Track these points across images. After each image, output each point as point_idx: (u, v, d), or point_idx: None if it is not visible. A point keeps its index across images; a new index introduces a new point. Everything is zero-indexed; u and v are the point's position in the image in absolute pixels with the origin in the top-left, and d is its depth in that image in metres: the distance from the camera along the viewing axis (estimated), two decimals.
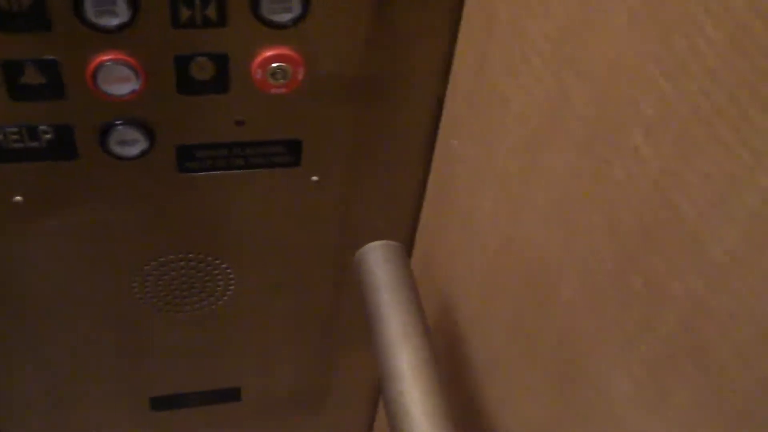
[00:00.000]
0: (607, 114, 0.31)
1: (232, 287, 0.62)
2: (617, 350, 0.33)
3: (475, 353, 0.50)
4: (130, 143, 0.50)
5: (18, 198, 0.51)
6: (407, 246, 0.63)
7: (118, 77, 0.46)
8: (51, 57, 0.44)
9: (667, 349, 0.29)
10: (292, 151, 0.53)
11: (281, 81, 0.48)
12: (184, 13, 0.44)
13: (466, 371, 0.51)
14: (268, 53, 0.47)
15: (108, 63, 0.45)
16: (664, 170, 0.28)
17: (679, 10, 0.26)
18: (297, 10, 0.45)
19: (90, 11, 0.42)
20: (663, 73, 0.27)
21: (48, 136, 0.48)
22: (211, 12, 0.44)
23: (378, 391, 0.77)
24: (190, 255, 0.59)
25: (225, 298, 0.63)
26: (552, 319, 0.39)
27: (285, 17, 0.45)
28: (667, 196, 0.28)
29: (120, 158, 0.50)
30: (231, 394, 0.74)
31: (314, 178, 0.55)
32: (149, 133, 0.49)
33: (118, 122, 0.48)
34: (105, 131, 0.48)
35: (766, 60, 0.23)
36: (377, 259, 0.47)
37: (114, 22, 0.43)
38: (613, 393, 0.34)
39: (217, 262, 0.60)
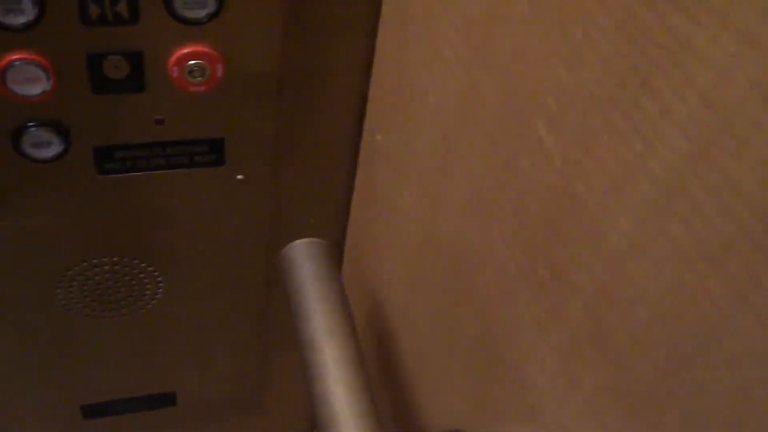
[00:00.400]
0: (513, 105, 0.31)
1: (160, 290, 0.61)
2: (531, 340, 0.33)
3: (403, 347, 0.50)
4: (45, 145, 0.48)
5: None
6: (339, 243, 0.63)
7: (28, 77, 0.44)
8: None
9: (574, 337, 0.29)
10: (214, 150, 0.52)
11: (199, 79, 0.47)
12: (94, 10, 0.43)
13: (396, 365, 0.51)
14: (185, 50, 0.46)
15: (17, 63, 0.44)
16: (566, 160, 0.28)
17: None
18: (212, 6, 0.44)
19: None
20: (562, 62, 0.27)
21: None
22: (123, 9, 0.43)
23: None
24: (115, 259, 0.57)
25: (154, 301, 0.62)
26: (471, 311, 0.39)
27: (200, 13, 0.44)
28: (569, 185, 0.28)
29: (35, 161, 0.49)
30: (166, 399, 0.73)
31: (239, 176, 0.55)
32: (64, 134, 0.48)
33: (31, 124, 0.47)
34: (18, 133, 0.47)
35: (653, 47, 0.23)
36: (301, 256, 0.46)
37: (21, 20, 0.42)
38: (529, 383, 0.34)
39: (143, 265, 0.59)
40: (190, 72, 0.47)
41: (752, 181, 0.20)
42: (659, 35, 0.23)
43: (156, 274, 0.60)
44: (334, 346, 0.42)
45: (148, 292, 0.61)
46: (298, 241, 0.47)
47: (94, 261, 0.57)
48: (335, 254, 0.49)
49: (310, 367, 0.42)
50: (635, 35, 0.24)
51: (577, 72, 0.27)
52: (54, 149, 0.48)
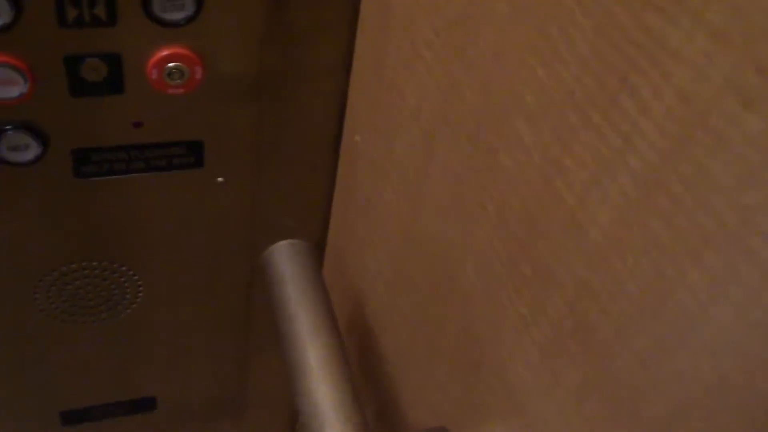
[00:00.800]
0: (493, 104, 0.32)
1: (140, 294, 0.61)
2: (514, 337, 0.33)
3: (385, 347, 0.51)
4: (22, 148, 0.48)
5: None
6: (320, 245, 0.63)
7: (4, 80, 0.44)
8: None
9: (556, 331, 0.30)
10: (193, 152, 0.52)
11: (178, 81, 0.47)
12: (71, 12, 0.42)
13: (379, 365, 0.52)
14: (163, 53, 0.46)
15: None
16: (546, 157, 0.29)
17: None
18: (190, 8, 0.44)
19: None
20: (540, 61, 0.28)
21: None
22: (100, 11, 0.43)
23: None
24: (94, 263, 0.57)
25: (134, 305, 0.62)
26: (454, 309, 0.39)
27: (178, 15, 0.44)
28: (549, 182, 0.28)
29: (13, 164, 0.48)
30: (146, 404, 0.72)
31: (219, 179, 0.55)
32: (42, 137, 0.48)
33: (8, 127, 0.46)
34: None
35: (630, 46, 0.24)
36: (282, 258, 0.47)
37: None
38: (512, 379, 0.34)
39: (123, 269, 0.58)
40: (169, 74, 0.47)
41: (728, 175, 0.20)
42: (636, 34, 0.23)
43: (135, 278, 0.60)
44: (318, 345, 0.42)
45: (127, 296, 0.61)
46: (279, 243, 0.48)
47: (73, 266, 0.57)
48: (316, 255, 0.49)
49: (294, 366, 0.42)
50: (613, 35, 0.24)
51: (556, 70, 0.27)
52: (32, 152, 0.48)
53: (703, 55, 0.21)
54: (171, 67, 0.46)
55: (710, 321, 0.21)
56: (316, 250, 0.50)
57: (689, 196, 0.22)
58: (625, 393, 0.25)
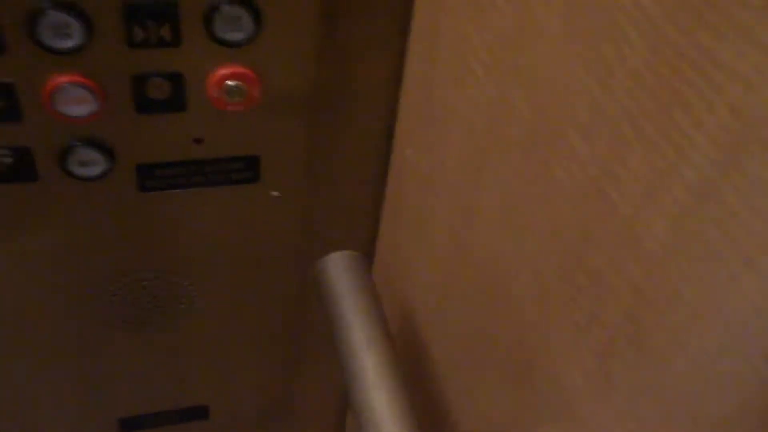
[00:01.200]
0: (546, 117, 0.33)
1: (195, 304, 0.63)
2: (568, 344, 0.34)
3: (435, 356, 0.52)
4: (90, 164, 0.50)
5: None
6: (369, 256, 0.64)
7: (75, 99, 0.46)
8: (7, 80, 0.45)
9: (612, 338, 0.30)
10: (250, 167, 0.54)
11: (237, 99, 0.49)
12: (139, 33, 0.45)
13: (429, 374, 0.53)
14: (223, 71, 0.48)
15: (65, 85, 0.46)
16: (600, 168, 0.30)
17: (606, 18, 0.28)
18: (249, 29, 0.46)
19: (44, 34, 0.43)
20: (594, 77, 0.29)
21: (7, 159, 0.48)
22: (166, 32, 0.45)
23: (345, 400, 0.78)
24: (153, 275, 0.59)
25: (189, 315, 0.64)
26: (506, 319, 0.40)
27: (238, 36, 0.46)
28: (603, 193, 0.30)
29: (81, 179, 0.51)
30: (199, 413, 0.74)
31: (274, 193, 0.56)
32: (109, 153, 0.50)
33: (78, 143, 0.49)
34: (65, 153, 0.49)
35: (683, 63, 0.25)
36: (337, 269, 0.48)
37: (69, 43, 0.44)
38: (566, 384, 0.35)
39: (179, 280, 0.61)
40: (228, 92, 0.49)
41: None
42: (688, 51, 0.24)
43: (191, 288, 0.62)
44: (374, 354, 0.43)
45: (183, 306, 0.63)
46: (333, 254, 0.49)
47: (133, 277, 0.59)
48: (368, 266, 0.51)
49: (351, 376, 0.43)
50: (666, 52, 0.25)
51: (610, 86, 0.28)
52: (99, 168, 0.50)
53: (755, 71, 0.22)
54: (230, 86, 0.48)
55: (765, 324, 0.22)
56: (367, 261, 0.51)
57: (743, 205, 0.23)
58: (682, 396, 0.26)
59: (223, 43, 0.47)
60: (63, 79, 0.46)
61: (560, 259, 0.34)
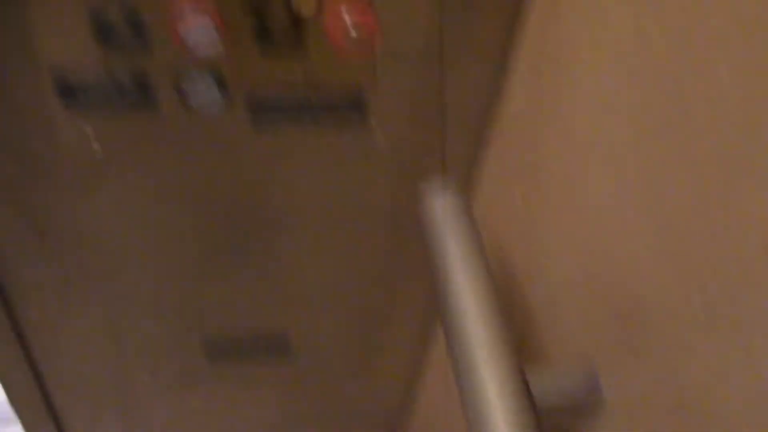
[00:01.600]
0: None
1: (294, 239, 0.65)
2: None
3: (530, 294, 0.52)
4: (208, 98, 0.51)
5: (97, 147, 0.54)
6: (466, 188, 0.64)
7: (201, 34, 0.47)
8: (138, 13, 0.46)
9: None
10: (358, 110, 0.55)
11: (356, 46, 0.49)
12: None
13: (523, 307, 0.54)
14: (347, 18, 0.48)
15: (191, 20, 0.46)
16: None
17: None
18: None
19: None
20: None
21: (132, 88, 0.50)
22: None
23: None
24: (255, 211, 0.61)
25: (287, 248, 0.65)
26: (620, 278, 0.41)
27: None
28: None
29: (197, 112, 0.52)
30: (280, 344, 0.76)
31: (379, 132, 0.57)
32: (226, 89, 0.51)
33: (198, 76, 0.50)
34: (185, 85, 0.50)
35: None
36: (438, 197, 0.48)
37: None
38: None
39: (280, 217, 0.62)
40: (349, 37, 0.49)
41: None
42: None
43: (293, 222, 0.63)
44: (471, 275, 0.44)
45: (281, 240, 0.64)
46: (436, 183, 0.50)
47: (235, 211, 0.61)
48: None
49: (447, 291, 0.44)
50: None
51: None
52: (216, 103, 0.51)
53: None
54: (351, 32, 0.49)
55: None
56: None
57: None
58: None
59: None
60: (191, 15, 0.46)
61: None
